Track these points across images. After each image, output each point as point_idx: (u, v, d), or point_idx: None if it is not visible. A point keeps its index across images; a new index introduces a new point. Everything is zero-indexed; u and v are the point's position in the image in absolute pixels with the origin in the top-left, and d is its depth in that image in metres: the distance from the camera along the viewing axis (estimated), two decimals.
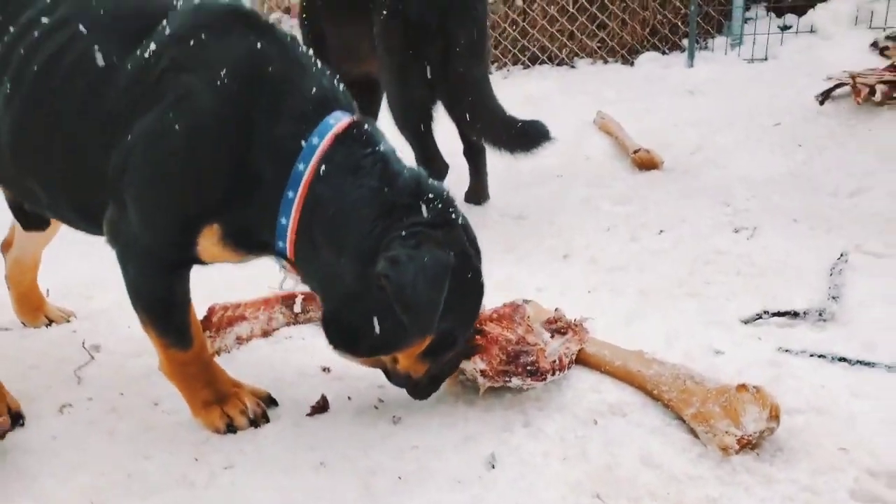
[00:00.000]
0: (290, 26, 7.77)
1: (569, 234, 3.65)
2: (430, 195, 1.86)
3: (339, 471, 1.91)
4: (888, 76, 4.47)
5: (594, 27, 6.48)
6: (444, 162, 3.98)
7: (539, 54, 6.69)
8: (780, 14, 6.19)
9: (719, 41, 6.12)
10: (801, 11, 6.05)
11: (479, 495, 1.79)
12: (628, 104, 5.40)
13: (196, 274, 2.11)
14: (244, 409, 2.14)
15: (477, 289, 1.93)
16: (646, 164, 4.39)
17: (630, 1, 6.36)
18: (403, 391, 2.12)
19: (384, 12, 3.84)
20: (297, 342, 2.69)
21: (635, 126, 4.93)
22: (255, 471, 1.93)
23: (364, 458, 1.96)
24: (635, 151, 4.44)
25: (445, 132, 4.05)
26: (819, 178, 3.98)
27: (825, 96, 4.73)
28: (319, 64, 1.97)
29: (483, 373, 2.15)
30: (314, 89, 1.88)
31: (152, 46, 1.87)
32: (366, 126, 1.91)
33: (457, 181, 4.16)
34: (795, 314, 2.56)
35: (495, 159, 4.04)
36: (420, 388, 2.05)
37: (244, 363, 2.52)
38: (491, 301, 2.56)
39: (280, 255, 1.93)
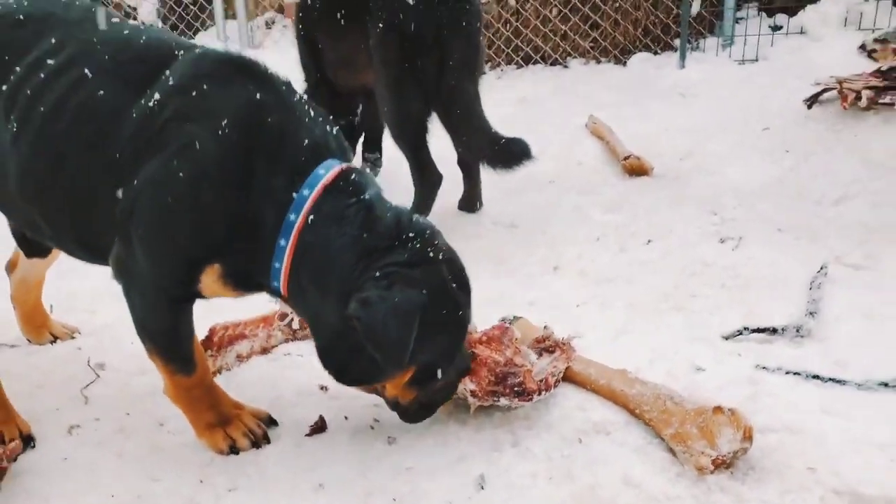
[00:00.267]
0: (284, 25, 7.84)
1: (560, 244, 3.76)
2: (411, 234, 1.98)
3: (337, 492, 2.04)
4: (874, 82, 4.58)
5: (587, 27, 6.57)
6: (438, 173, 4.09)
7: (532, 54, 6.78)
8: (770, 14, 6.28)
9: (711, 42, 6.20)
10: (791, 12, 6.14)
11: None
12: (620, 108, 5.50)
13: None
14: (246, 430, 2.27)
15: (457, 321, 2.05)
16: (636, 170, 4.50)
17: (622, 1, 6.44)
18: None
19: (380, 25, 3.94)
20: (296, 359, 2.81)
21: (626, 130, 5.04)
22: (257, 493, 2.07)
23: (361, 479, 2.09)
24: (626, 158, 4.55)
25: (441, 141, 4.15)
26: (805, 185, 4.10)
27: (813, 100, 4.84)
28: (313, 112, 2.08)
29: (473, 393, 2.27)
30: (307, 140, 2.00)
31: (156, 96, 1.99)
32: (353, 176, 2.03)
33: (452, 189, 4.29)
34: (774, 330, 2.68)
35: None
36: (409, 414, 2.18)
37: (245, 381, 2.65)
38: (485, 315, 2.71)
39: (275, 294, 2.06)
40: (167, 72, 2.03)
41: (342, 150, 2.10)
